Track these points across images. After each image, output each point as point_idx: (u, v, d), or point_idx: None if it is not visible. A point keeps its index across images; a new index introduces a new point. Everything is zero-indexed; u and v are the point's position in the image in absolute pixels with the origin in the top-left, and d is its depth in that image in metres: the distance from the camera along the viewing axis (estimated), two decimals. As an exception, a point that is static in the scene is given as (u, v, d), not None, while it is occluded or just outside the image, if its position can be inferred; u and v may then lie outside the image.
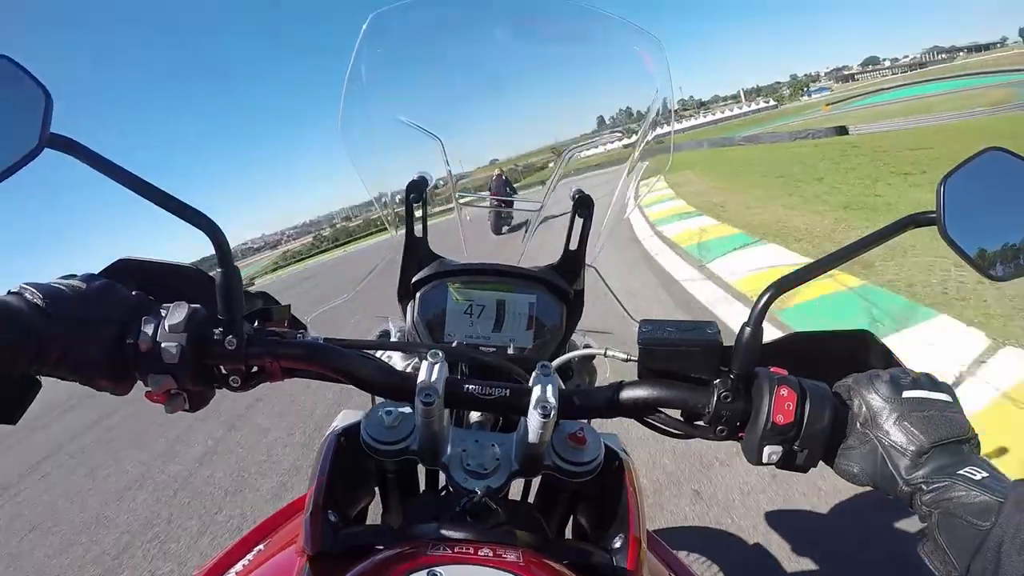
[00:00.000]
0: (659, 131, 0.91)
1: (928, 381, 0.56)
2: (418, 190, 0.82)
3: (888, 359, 0.65)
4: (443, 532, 0.57)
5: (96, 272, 0.63)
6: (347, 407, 0.85)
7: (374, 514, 0.75)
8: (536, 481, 0.73)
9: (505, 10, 0.91)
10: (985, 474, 0.48)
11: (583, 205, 0.83)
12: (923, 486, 0.50)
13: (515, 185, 1.11)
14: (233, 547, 0.88)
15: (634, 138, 0.94)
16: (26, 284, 0.55)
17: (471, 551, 0.52)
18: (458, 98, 0.97)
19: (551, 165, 1.01)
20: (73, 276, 0.59)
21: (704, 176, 14.32)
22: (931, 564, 0.50)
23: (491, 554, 0.51)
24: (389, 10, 0.84)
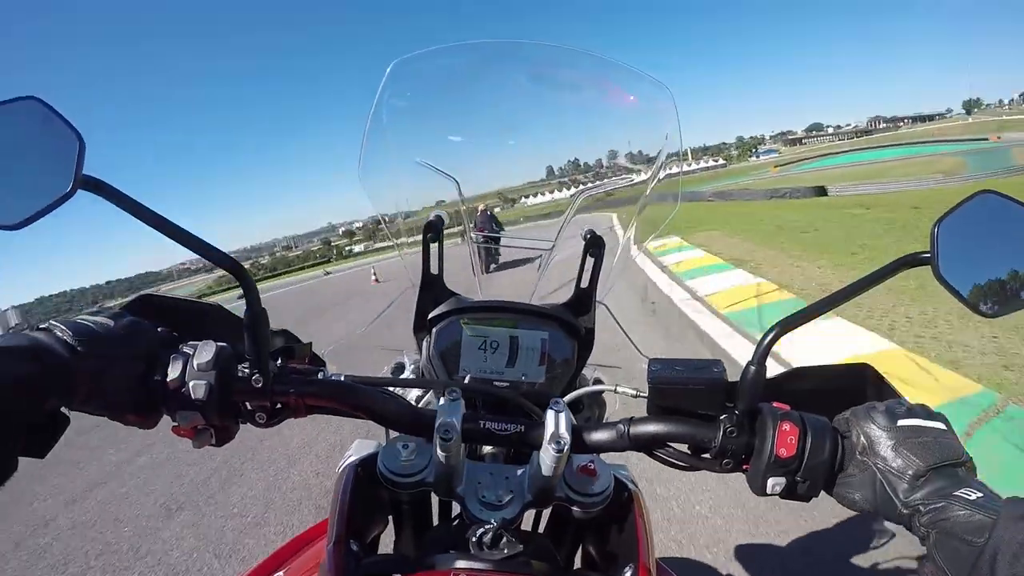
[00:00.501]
0: (668, 172, 0.94)
1: (923, 411, 0.59)
2: (435, 230, 0.84)
3: (887, 391, 0.67)
4: (462, 562, 0.59)
5: (119, 309, 0.64)
6: (360, 437, 0.90)
7: (385, 543, 0.77)
8: (546, 511, 0.75)
9: (520, 59, 0.95)
10: (979, 494, 0.50)
11: (594, 244, 0.86)
12: (920, 507, 0.53)
13: (525, 223, 1.15)
14: (250, 574, 0.89)
15: (642, 176, 0.98)
16: (55, 321, 0.55)
17: None
18: (474, 142, 1.00)
19: (555, 195, 1.11)
20: (99, 312, 0.60)
21: (733, 236, 12.21)
22: None
23: None
24: (410, 57, 0.88)
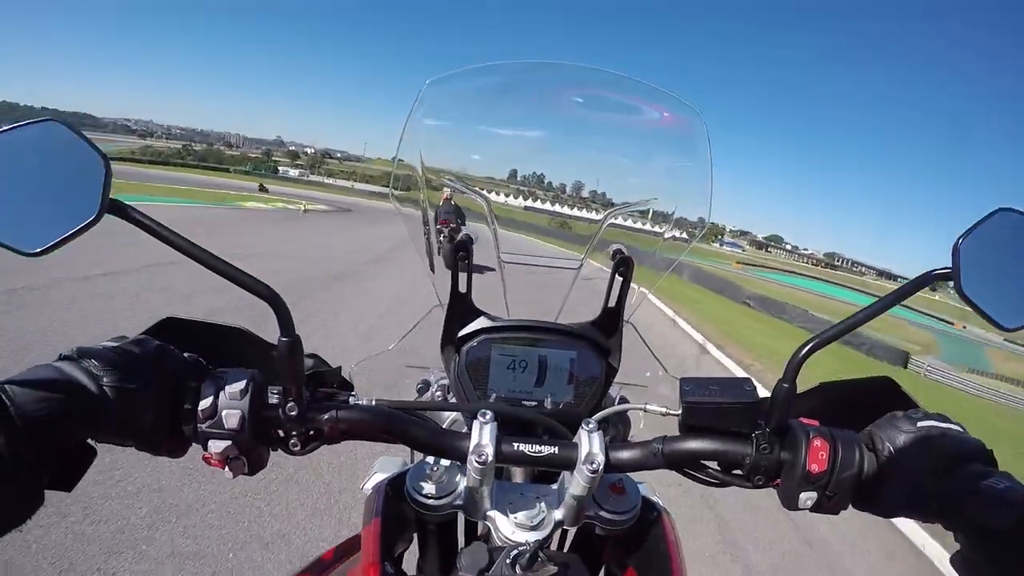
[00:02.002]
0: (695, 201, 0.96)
1: (939, 416, 0.61)
2: (465, 249, 0.84)
3: (908, 402, 0.68)
4: None
5: (143, 333, 0.63)
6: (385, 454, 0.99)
7: (408, 561, 0.77)
8: (572, 529, 0.76)
9: (553, 81, 0.95)
10: (1007, 484, 0.52)
11: (623, 265, 0.86)
12: (951, 501, 0.54)
13: (552, 246, 1.21)
14: None
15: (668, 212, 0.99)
16: (79, 348, 0.55)
17: None
18: (505, 161, 1.04)
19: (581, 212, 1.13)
20: (124, 338, 0.60)
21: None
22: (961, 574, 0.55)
23: None
24: (444, 77, 0.89)
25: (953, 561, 0.57)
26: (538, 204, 1.18)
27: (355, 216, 29.10)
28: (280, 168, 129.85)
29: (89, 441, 0.53)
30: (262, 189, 48.10)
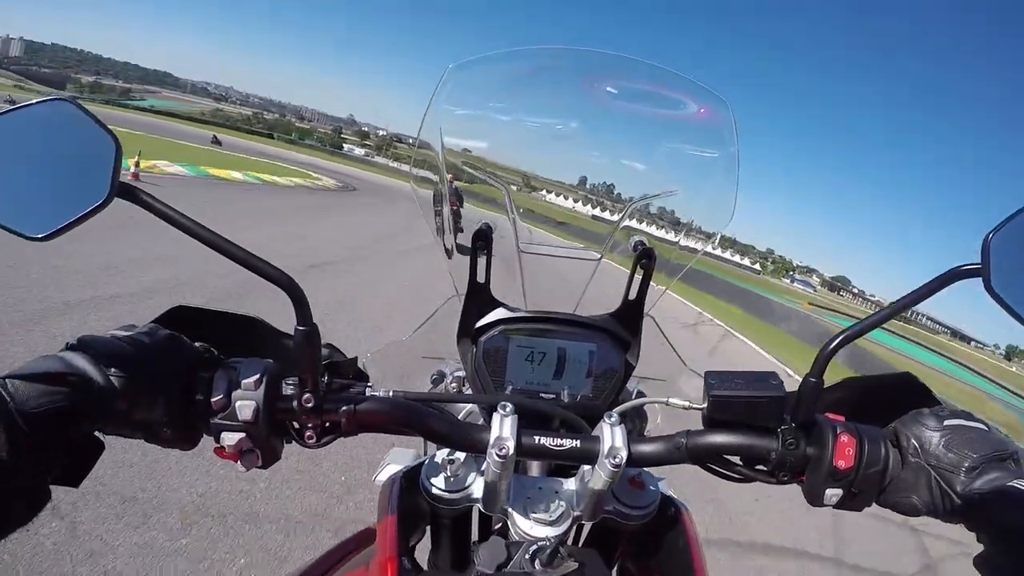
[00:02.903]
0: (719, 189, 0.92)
1: (964, 413, 0.61)
2: (484, 238, 0.83)
3: (929, 398, 0.67)
4: None
5: (153, 321, 0.62)
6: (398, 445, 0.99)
7: (420, 554, 0.76)
8: (587, 524, 0.75)
9: (576, 68, 0.93)
10: None
11: (645, 256, 0.84)
12: (976, 500, 0.54)
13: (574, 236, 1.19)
14: None
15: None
16: (85, 337, 0.53)
17: None
18: (526, 148, 1.01)
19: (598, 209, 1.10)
20: (133, 327, 0.59)
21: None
22: None
23: None
24: (467, 62, 0.88)
25: (977, 563, 0.55)
26: (559, 199, 1.18)
27: (382, 198, 26.70)
28: (346, 146, 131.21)
29: (97, 434, 0.52)
30: (215, 141, 43.63)
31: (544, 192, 1.15)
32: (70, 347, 0.52)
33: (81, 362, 0.50)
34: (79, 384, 0.48)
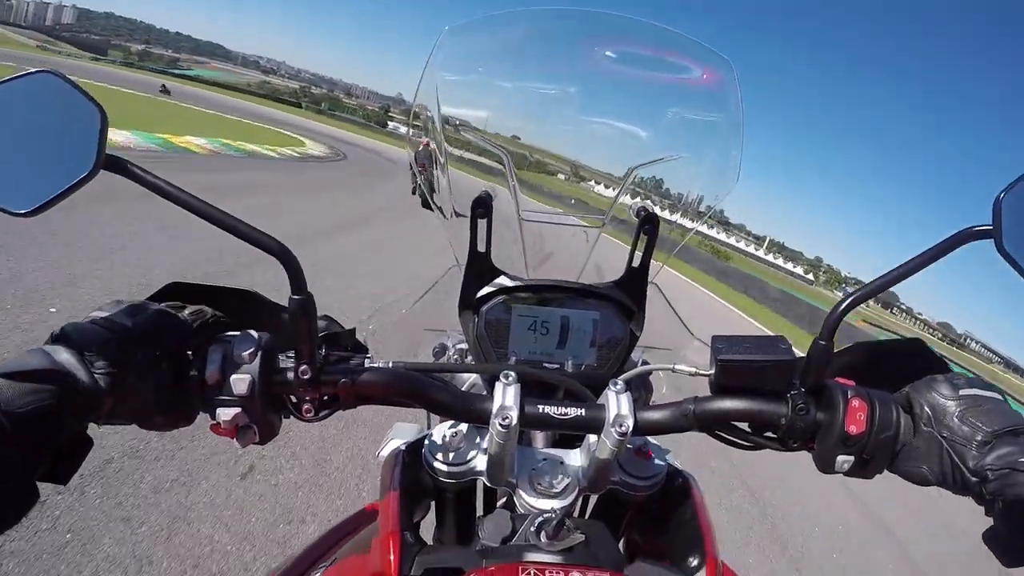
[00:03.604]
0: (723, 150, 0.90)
1: (979, 381, 0.60)
2: (484, 206, 0.80)
3: (940, 365, 0.66)
4: (527, 556, 0.57)
5: (146, 299, 0.60)
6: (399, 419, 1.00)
7: (425, 529, 0.74)
8: (593, 496, 0.74)
9: (576, 28, 0.92)
10: None
11: (648, 222, 0.81)
12: (988, 474, 0.53)
13: (574, 202, 1.12)
14: (295, 560, 0.87)
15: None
16: (68, 327, 0.51)
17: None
18: (525, 115, 0.98)
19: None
20: (120, 303, 0.57)
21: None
22: (995, 552, 0.53)
23: None
24: (464, 24, 0.86)
25: (985, 537, 0.55)
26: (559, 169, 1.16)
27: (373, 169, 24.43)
28: (391, 124, 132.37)
29: (89, 429, 0.51)
30: (163, 90, 43.36)
31: (542, 161, 1.11)
32: (54, 338, 0.50)
33: (65, 356, 0.48)
34: (64, 381, 0.46)
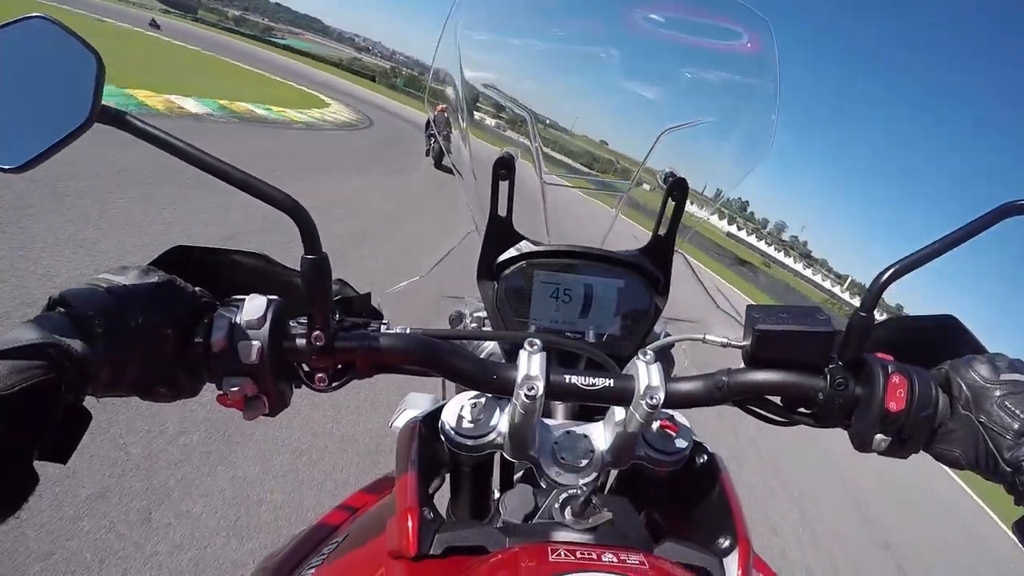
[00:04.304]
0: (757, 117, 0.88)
1: (1021, 364, 0.57)
2: (507, 167, 0.76)
3: (975, 344, 0.65)
4: (553, 534, 0.54)
5: (149, 264, 0.57)
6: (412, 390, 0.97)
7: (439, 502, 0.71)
8: (613, 472, 0.71)
9: None
10: None
11: (677, 188, 0.77)
12: (1021, 468, 0.51)
13: (599, 166, 1.12)
14: (310, 532, 0.85)
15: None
16: (67, 293, 0.48)
17: (594, 556, 0.48)
18: (549, 74, 0.95)
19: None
20: (124, 269, 0.53)
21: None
22: None
23: (615, 559, 0.48)
24: None
25: (1016, 528, 0.54)
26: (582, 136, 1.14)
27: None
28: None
29: (86, 401, 0.48)
30: (153, 24, 42.26)
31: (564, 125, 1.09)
32: (52, 304, 0.47)
33: (59, 325, 0.45)
34: (60, 354, 0.44)
